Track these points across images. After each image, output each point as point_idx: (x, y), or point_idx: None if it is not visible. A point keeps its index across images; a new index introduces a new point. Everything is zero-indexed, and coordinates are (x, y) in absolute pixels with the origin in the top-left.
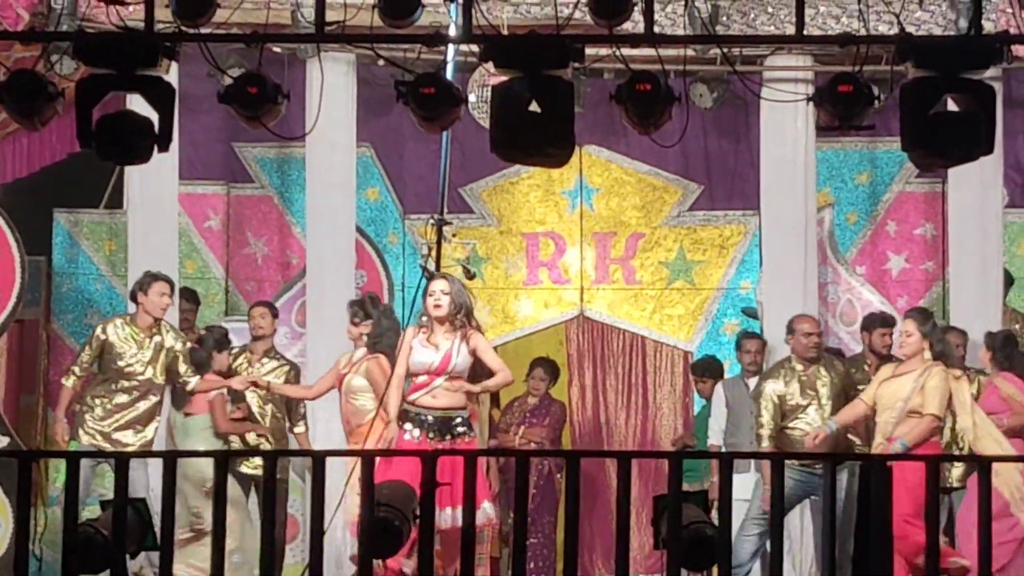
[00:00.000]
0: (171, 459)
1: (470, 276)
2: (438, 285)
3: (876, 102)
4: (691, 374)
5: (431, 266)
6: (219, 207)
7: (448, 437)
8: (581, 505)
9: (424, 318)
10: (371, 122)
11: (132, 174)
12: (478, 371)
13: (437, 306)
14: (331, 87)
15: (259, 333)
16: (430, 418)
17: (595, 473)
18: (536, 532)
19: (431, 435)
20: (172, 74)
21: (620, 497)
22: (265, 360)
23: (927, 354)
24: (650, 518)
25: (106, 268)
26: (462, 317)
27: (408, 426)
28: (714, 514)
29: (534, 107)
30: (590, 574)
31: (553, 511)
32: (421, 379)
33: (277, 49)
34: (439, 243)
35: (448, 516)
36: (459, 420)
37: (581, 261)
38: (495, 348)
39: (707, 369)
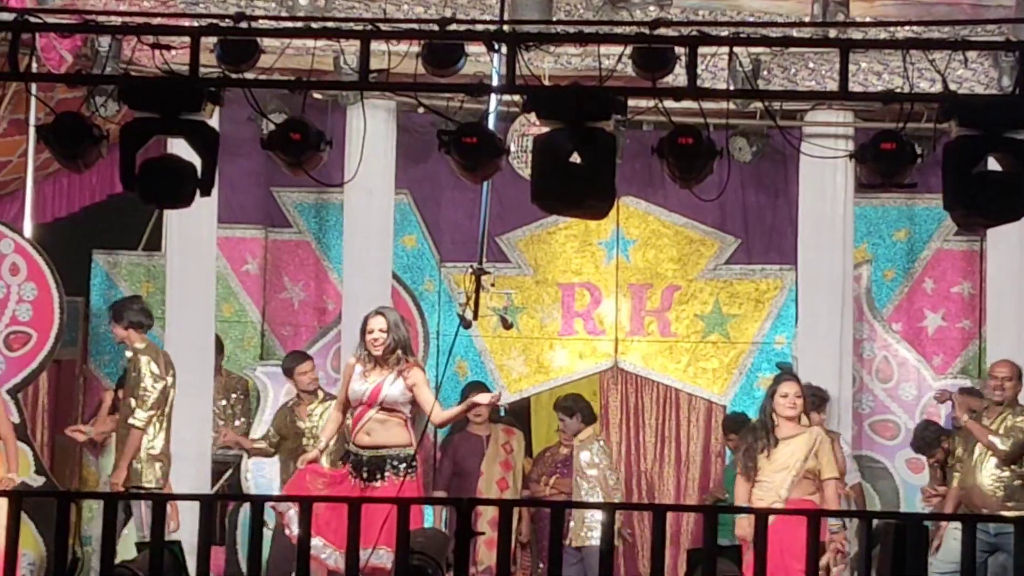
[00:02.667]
0: (206, 502)
1: (507, 326)
2: (376, 323)
3: (918, 160)
4: (722, 430)
5: (469, 315)
6: (257, 251)
7: (378, 477)
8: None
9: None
10: (410, 169)
11: (171, 217)
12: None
13: (375, 343)
14: (371, 134)
15: (312, 388)
16: (364, 457)
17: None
18: None
19: (363, 475)
20: (213, 118)
21: (655, 550)
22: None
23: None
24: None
25: None
26: (399, 354)
27: (349, 466)
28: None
29: (575, 158)
30: None
31: None
32: (357, 412)
33: (318, 95)
34: (477, 292)
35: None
36: (396, 458)
37: (616, 312)
38: (528, 398)
39: (737, 425)
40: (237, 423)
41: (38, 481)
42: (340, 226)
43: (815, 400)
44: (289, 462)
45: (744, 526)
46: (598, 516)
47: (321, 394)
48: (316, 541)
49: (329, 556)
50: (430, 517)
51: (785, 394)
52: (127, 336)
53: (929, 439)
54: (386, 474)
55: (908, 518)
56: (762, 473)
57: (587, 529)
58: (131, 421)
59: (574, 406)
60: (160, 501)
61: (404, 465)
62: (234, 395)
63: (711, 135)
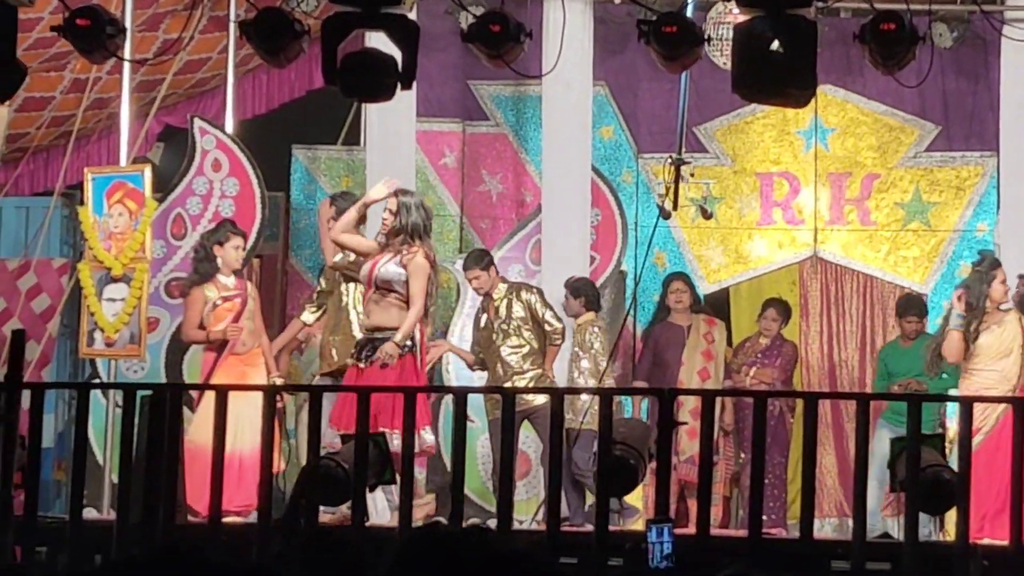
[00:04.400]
0: (411, 394)
1: (707, 216)
2: (389, 205)
3: None
4: (896, 314)
5: (668, 206)
6: (455, 145)
7: (367, 356)
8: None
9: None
10: (607, 60)
11: (371, 111)
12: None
13: (383, 225)
14: (569, 25)
15: (483, 291)
16: (362, 338)
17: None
18: (767, 473)
19: (360, 357)
20: (412, 12)
21: (859, 439)
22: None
23: None
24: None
25: None
26: (404, 237)
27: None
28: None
29: (776, 46)
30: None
31: (784, 452)
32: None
33: None
34: (676, 182)
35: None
36: (387, 338)
37: (815, 201)
38: (727, 288)
39: (912, 307)
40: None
41: None
42: (538, 119)
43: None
44: None
45: None
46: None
47: (503, 288)
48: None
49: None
50: (629, 408)
51: (1004, 279)
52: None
53: None
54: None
55: None
56: (979, 362)
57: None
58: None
59: (581, 288)
60: (364, 393)
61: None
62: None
63: (912, 21)
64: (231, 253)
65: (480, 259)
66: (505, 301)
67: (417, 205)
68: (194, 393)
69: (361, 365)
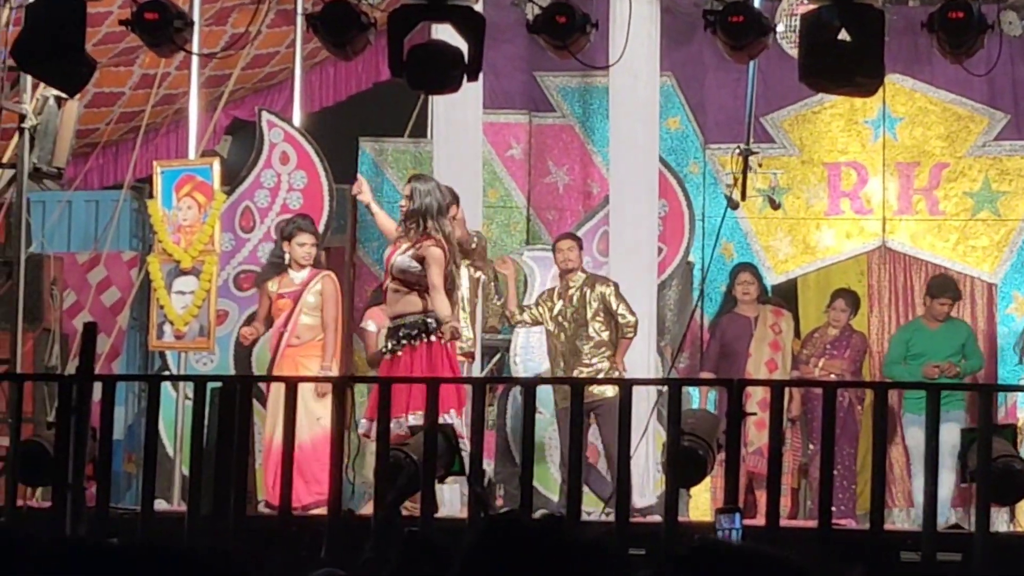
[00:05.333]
0: (481, 385)
1: (775, 206)
2: (404, 190)
3: None
4: (929, 295)
5: (736, 196)
6: (521, 136)
7: (392, 347)
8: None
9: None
10: (673, 51)
11: (437, 103)
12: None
13: (400, 209)
14: (636, 15)
15: (568, 266)
16: (386, 329)
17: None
18: (836, 463)
19: (385, 347)
20: (478, 4)
21: (929, 429)
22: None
23: None
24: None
25: None
26: (420, 223)
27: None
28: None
29: (844, 36)
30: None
31: (853, 443)
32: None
33: None
34: (744, 173)
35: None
36: (408, 326)
37: (883, 191)
38: (795, 279)
39: (946, 288)
40: (498, 302)
41: None
42: (604, 110)
43: None
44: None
45: None
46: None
47: (580, 278)
48: None
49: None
50: (696, 399)
51: None
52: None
53: None
54: (402, 343)
55: None
56: None
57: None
58: None
59: None
60: (433, 384)
61: (417, 332)
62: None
63: (981, 8)
64: (297, 250)
65: (575, 236)
66: (579, 291)
67: (430, 189)
68: (262, 386)
69: (387, 356)
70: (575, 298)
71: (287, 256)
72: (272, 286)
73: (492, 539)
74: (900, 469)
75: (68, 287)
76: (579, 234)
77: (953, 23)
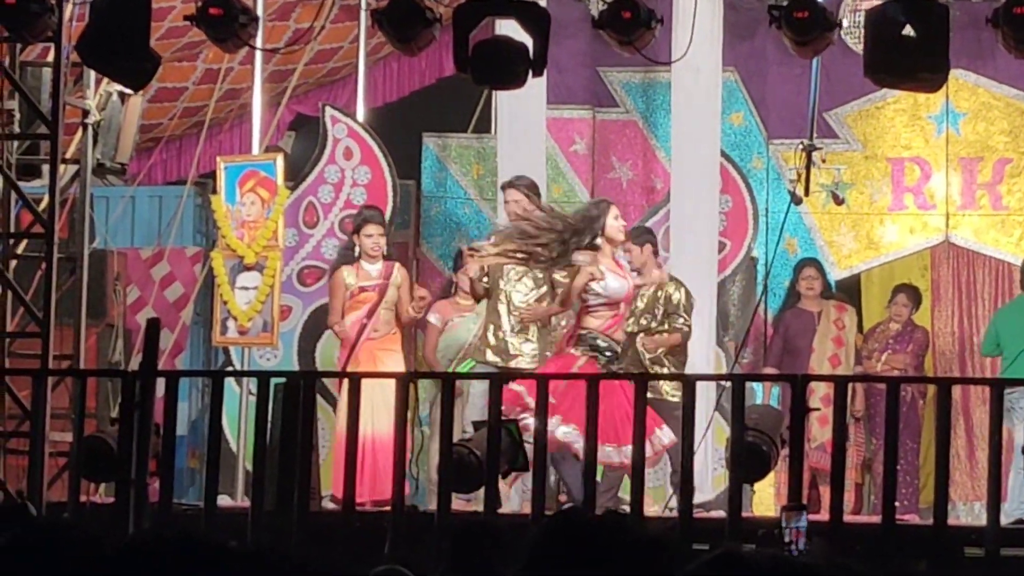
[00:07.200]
0: (544, 381)
1: (839, 202)
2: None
3: None
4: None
5: (800, 191)
6: (585, 132)
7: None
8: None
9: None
10: (736, 46)
11: (501, 99)
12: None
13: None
14: (699, 11)
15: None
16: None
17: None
18: (899, 459)
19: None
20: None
21: (992, 425)
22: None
23: None
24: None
25: (474, 192)
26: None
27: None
28: None
29: (908, 31)
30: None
31: (916, 438)
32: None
33: None
34: (808, 168)
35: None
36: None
37: (947, 186)
38: (859, 274)
39: None
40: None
41: None
42: (667, 105)
43: None
44: None
45: None
46: None
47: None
48: None
49: None
50: (759, 394)
51: None
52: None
53: None
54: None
55: None
56: None
57: None
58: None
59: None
60: (496, 382)
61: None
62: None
63: None
64: (366, 241)
65: (639, 235)
66: (650, 291)
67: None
68: (333, 382)
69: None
70: (647, 296)
71: (357, 248)
72: (350, 279)
73: (554, 535)
74: (963, 464)
75: (131, 283)
76: None
77: (1018, 18)
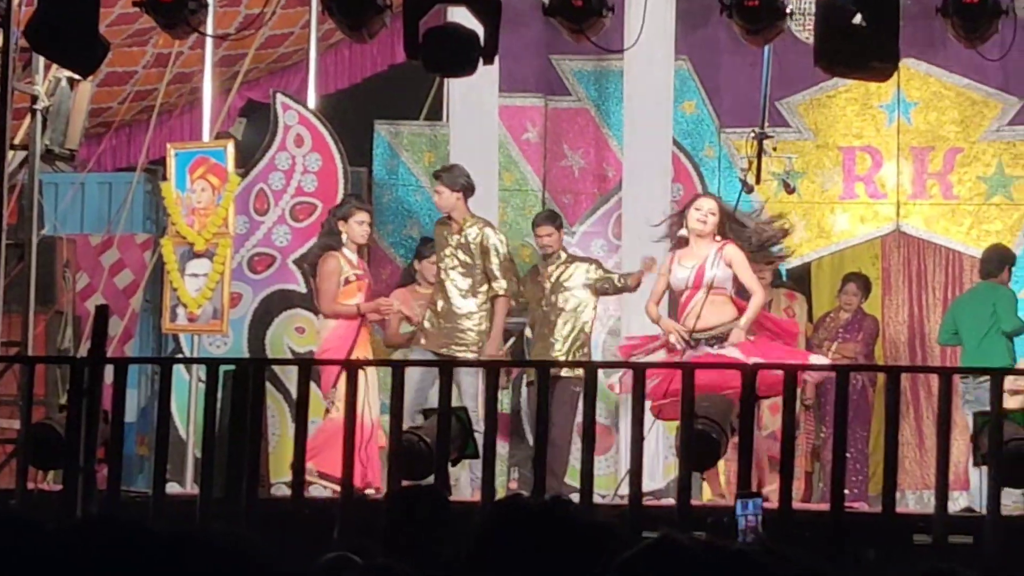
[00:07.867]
0: (492, 369)
1: (790, 190)
2: (707, 204)
3: None
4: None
5: (751, 180)
6: (537, 120)
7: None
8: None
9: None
10: (688, 35)
11: (453, 86)
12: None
13: (702, 222)
14: (650, 0)
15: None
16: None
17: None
18: (848, 447)
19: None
20: None
21: (941, 413)
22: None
23: None
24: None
25: (426, 180)
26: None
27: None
28: None
29: (859, 20)
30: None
31: (866, 426)
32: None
33: None
34: (759, 157)
35: None
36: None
37: (898, 175)
38: (809, 263)
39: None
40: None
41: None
42: (619, 93)
43: None
44: None
45: None
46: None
47: (563, 255)
48: None
49: None
50: None
51: None
52: (455, 204)
53: None
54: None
55: None
56: None
57: None
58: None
59: None
60: (446, 368)
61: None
62: None
63: None
64: (356, 228)
65: (553, 218)
66: (559, 271)
67: None
68: (282, 370)
69: None
70: (554, 276)
71: (344, 236)
72: (345, 266)
73: (499, 521)
74: (913, 452)
75: (81, 269)
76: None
77: (968, 8)
